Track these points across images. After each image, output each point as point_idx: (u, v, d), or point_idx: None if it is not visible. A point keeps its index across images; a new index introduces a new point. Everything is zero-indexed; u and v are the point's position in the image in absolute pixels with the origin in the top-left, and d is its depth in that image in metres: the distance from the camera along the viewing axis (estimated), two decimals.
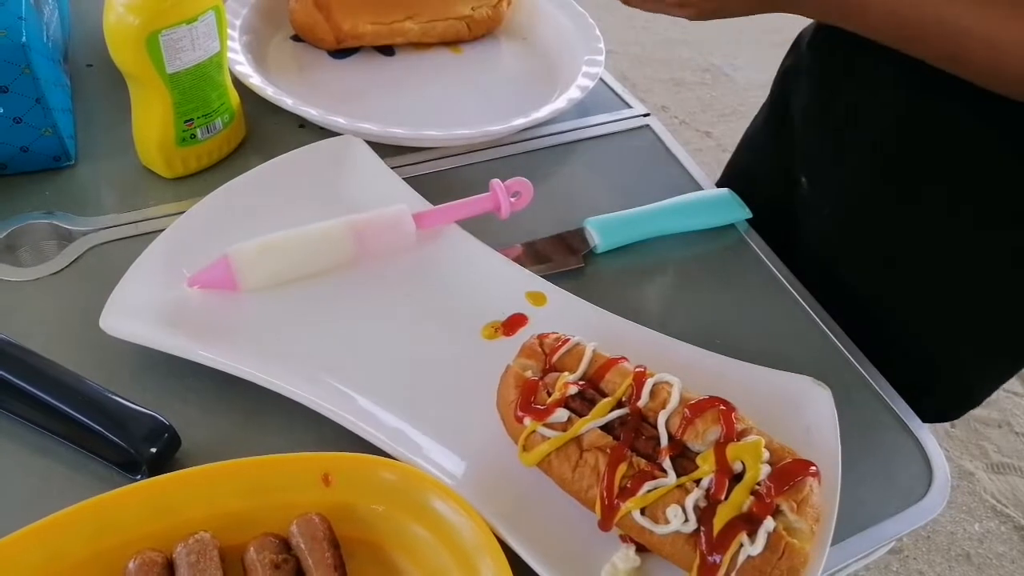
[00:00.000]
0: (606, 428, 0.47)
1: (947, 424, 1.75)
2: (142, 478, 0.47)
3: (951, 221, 0.66)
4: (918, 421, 0.59)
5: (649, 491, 0.44)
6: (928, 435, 0.58)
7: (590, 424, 0.46)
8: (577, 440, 0.46)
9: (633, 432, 0.47)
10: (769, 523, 0.43)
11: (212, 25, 0.63)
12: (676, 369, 0.50)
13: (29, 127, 0.63)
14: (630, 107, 0.84)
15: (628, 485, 0.45)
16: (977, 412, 1.76)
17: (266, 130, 0.74)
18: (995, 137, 0.61)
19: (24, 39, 0.59)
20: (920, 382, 0.67)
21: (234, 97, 0.70)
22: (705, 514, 0.44)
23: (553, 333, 0.52)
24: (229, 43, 0.74)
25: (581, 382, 0.49)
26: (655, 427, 0.47)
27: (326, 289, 0.59)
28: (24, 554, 0.41)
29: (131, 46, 0.59)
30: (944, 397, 0.75)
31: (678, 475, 0.45)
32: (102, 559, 0.42)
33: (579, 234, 0.67)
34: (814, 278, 0.68)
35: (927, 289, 0.69)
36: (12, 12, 0.60)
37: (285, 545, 0.44)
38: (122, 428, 0.48)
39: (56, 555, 0.42)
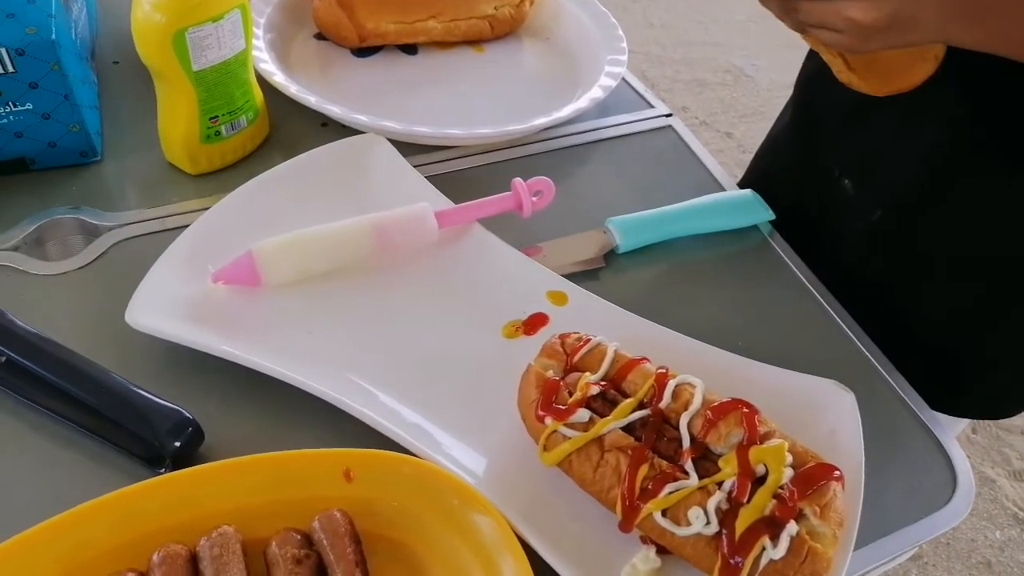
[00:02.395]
0: (627, 429, 0.47)
1: (968, 430, 1.73)
2: (166, 471, 0.48)
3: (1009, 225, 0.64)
4: (943, 427, 0.58)
5: (671, 493, 0.44)
6: (952, 441, 0.57)
7: (612, 425, 0.46)
8: (598, 440, 0.46)
9: (655, 433, 0.47)
10: (792, 527, 0.43)
11: (238, 23, 0.63)
12: (698, 371, 0.50)
13: (57, 123, 0.64)
14: (652, 107, 0.83)
15: (649, 486, 0.44)
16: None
17: (289, 128, 0.74)
18: None
19: (54, 36, 0.60)
20: (949, 385, 0.66)
21: (258, 95, 0.70)
22: (727, 517, 0.43)
23: (574, 333, 0.52)
24: (254, 41, 0.74)
25: (603, 382, 0.49)
26: (677, 429, 0.47)
27: (348, 286, 0.59)
28: (49, 545, 0.42)
29: (158, 43, 0.60)
30: (976, 401, 0.74)
31: (700, 477, 0.45)
32: (126, 551, 0.43)
33: (601, 234, 0.67)
34: (839, 280, 0.67)
35: (972, 296, 0.67)
36: (42, 10, 0.60)
37: (307, 540, 0.44)
38: (146, 422, 0.48)
39: (81, 546, 0.42)
